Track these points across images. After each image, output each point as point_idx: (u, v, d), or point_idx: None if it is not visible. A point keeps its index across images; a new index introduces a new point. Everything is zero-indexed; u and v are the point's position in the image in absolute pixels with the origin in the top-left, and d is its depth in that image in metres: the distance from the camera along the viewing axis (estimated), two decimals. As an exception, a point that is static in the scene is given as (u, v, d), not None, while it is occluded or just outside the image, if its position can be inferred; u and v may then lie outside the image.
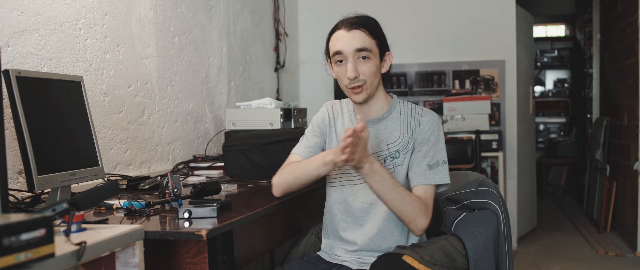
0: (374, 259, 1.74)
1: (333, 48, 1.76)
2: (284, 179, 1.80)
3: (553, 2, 8.27)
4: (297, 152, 1.88)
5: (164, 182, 1.82)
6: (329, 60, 1.81)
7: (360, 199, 1.80)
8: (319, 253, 1.90)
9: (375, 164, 1.67)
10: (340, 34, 1.75)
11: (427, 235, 1.91)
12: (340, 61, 1.75)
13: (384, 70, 1.79)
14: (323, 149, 1.86)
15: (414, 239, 1.81)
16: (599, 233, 5.02)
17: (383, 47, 1.78)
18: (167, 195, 1.78)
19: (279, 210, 1.95)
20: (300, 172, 1.76)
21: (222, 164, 2.67)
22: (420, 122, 1.77)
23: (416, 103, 4.56)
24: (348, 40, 1.73)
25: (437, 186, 1.76)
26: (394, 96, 1.85)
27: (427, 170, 1.74)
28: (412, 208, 1.69)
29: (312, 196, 2.17)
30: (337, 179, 1.83)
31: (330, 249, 1.86)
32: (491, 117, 4.47)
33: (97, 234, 1.29)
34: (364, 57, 1.72)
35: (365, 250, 1.80)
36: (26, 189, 1.63)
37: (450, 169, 1.82)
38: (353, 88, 1.73)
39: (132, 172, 2.47)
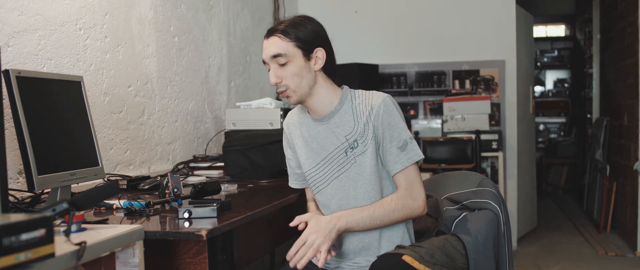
0: (366, 261, 1.75)
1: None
2: None
3: (553, 2, 8.27)
4: (305, 190, 1.97)
5: (164, 182, 1.82)
6: None
7: (335, 199, 1.81)
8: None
9: (342, 218, 1.70)
10: (264, 43, 1.79)
11: (427, 235, 1.90)
12: (269, 70, 1.79)
13: (317, 67, 1.77)
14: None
15: (397, 229, 1.81)
16: (599, 233, 5.02)
17: (307, 46, 1.76)
18: (167, 195, 1.78)
19: (279, 210, 1.95)
20: None
21: (222, 164, 2.67)
22: (373, 107, 1.76)
23: (415, 103, 4.63)
24: (266, 48, 1.77)
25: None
26: (345, 87, 1.84)
27: (400, 153, 1.75)
28: (400, 213, 1.75)
29: (312, 196, 2.17)
30: (314, 185, 1.86)
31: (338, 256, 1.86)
32: (491, 117, 4.47)
33: (97, 234, 1.29)
34: (281, 64, 1.74)
35: (353, 252, 1.80)
36: (26, 189, 1.63)
37: (450, 169, 1.82)
38: (281, 93, 1.77)
39: (132, 172, 2.47)
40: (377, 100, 1.76)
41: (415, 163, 1.76)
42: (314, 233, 1.66)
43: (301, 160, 1.88)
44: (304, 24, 1.78)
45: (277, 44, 1.74)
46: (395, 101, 1.80)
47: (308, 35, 1.77)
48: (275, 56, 1.73)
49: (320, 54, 1.78)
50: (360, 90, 1.83)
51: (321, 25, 1.82)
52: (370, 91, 1.81)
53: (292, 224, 1.74)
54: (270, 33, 1.76)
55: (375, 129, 1.75)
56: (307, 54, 1.76)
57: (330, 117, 1.80)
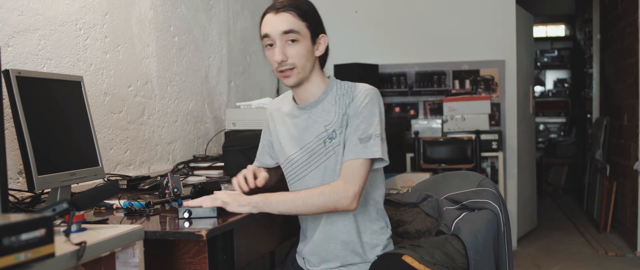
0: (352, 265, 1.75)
1: (262, 31, 1.73)
2: None
3: (553, 2, 8.27)
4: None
5: (164, 182, 1.82)
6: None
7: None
8: (297, 256, 1.91)
9: (257, 199, 1.64)
10: (269, 17, 1.71)
11: (427, 235, 1.90)
12: (270, 45, 1.71)
13: (318, 53, 1.75)
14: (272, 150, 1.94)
15: (364, 219, 1.77)
16: (599, 233, 5.02)
17: (315, 29, 1.73)
18: (167, 195, 1.78)
19: (279, 210, 1.95)
20: None
21: (222, 164, 2.67)
22: (354, 97, 1.72)
23: (415, 103, 4.63)
24: (275, 23, 1.69)
25: (373, 162, 1.69)
26: (331, 77, 1.81)
27: (358, 145, 1.66)
28: (326, 198, 1.63)
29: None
30: (294, 173, 1.82)
31: (307, 254, 1.85)
32: (491, 117, 4.47)
33: (97, 234, 1.28)
34: (292, 40, 1.69)
35: (336, 256, 1.78)
36: (26, 189, 1.63)
37: (450, 169, 1.80)
38: (282, 71, 1.71)
39: (132, 172, 2.47)
40: (360, 90, 1.72)
41: (368, 159, 1.66)
42: (227, 195, 1.65)
43: (282, 147, 1.84)
44: (312, 7, 1.76)
45: (291, 21, 1.68)
46: (380, 96, 1.74)
47: (317, 19, 1.75)
48: (287, 32, 1.68)
49: (323, 40, 1.76)
50: (347, 82, 1.79)
51: None
52: (357, 83, 1.77)
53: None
54: (279, 8, 1.70)
55: (348, 118, 1.71)
56: (314, 37, 1.73)
57: (313, 106, 1.77)
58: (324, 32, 1.77)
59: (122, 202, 1.77)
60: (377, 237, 1.78)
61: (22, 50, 1.94)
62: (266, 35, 1.71)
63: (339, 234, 1.75)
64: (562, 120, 8.41)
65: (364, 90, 1.72)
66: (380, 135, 1.68)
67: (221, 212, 1.62)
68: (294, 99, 1.84)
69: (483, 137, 4.34)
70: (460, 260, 1.73)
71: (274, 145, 1.90)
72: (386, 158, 1.69)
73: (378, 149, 1.66)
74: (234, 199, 1.64)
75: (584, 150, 7.06)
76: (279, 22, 1.69)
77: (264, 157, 1.97)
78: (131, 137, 2.49)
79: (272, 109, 1.93)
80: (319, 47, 1.75)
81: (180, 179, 2.00)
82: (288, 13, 1.69)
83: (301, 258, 1.88)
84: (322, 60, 1.79)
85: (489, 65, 4.52)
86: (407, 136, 4.50)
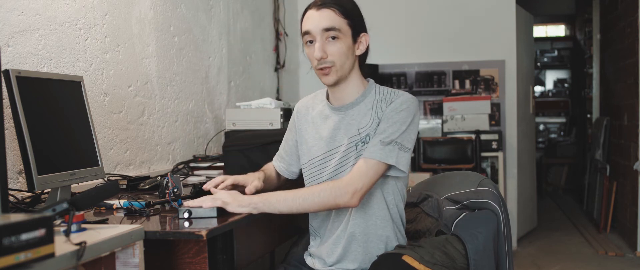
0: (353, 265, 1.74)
1: (303, 28, 1.72)
2: None
3: (553, 2, 8.27)
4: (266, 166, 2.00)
5: (164, 182, 1.82)
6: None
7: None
8: (305, 256, 1.90)
9: (257, 199, 1.64)
10: (310, 13, 1.70)
11: (427, 235, 1.90)
12: (311, 41, 1.70)
13: (358, 52, 1.74)
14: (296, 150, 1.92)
15: (374, 219, 1.76)
16: (599, 233, 5.03)
17: (357, 27, 1.72)
18: (167, 195, 1.78)
19: (279, 210, 1.94)
20: None
21: (222, 164, 2.67)
22: (392, 102, 1.70)
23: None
24: (316, 20, 1.67)
25: (389, 168, 1.68)
26: (371, 81, 1.80)
27: (377, 145, 1.65)
28: (326, 194, 1.63)
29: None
30: (316, 174, 1.81)
31: (315, 250, 1.85)
32: (491, 117, 4.47)
33: (97, 234, 1.28)
34: (333, 38, 1.67)
35: (339, 255, 1.77)
36: (26, 189, 1.63)
37: (450, 169, 1.79)
38: (321, 69, 1.69)
39: (132, 172, 2.47)
40: (400, 98, 1.71)
41: (381, 162, 1.65)
42: (227, 195, 1.64)
43: (308, 147, 1.83)
44: (354, 5, 1.74)
45: (332, 17, 1.67)
46: (418, 109, 1.73)
47: (359, 17, 1.73)
48: (328, 29, 1.67)
49: (364, 39, 1.75)
50: (387, 88, 1.78)
51: None
52: (399, 90, 1.75)
53: (206, 187, 1.77)
54: (321, 5, 1.68)
55: (380, 121, 1.70)
56: (355, 36, 1.72)
57: (349, 108, 1.76)
58: (366, 31, 1.76)
59: (122, 202, 1.77)
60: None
61: (22, 50, 1.94)
62: (307, 32, 1.70)
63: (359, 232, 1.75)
64: (562, 120, 8.42)
65: (404, 99, 1.71)
66: (401, 144, 1.67)
67: (221, 212, 1.62)
68: (327, 98, 1.82)
69: (483, 137, 4.34)
70: (461, 260, 1.73)
71: (298, 145, 1.88)
72: (401, 167, 1.68)
73: (394, 155, 1.66)
74: (234, 199, 1.64)
75: (584, 150, 7.06)
76: (321, 19, 1.67)
77: (291, 157, 1.93)
78: (131, 137, 2.49)
79: (300, 107, 1.90)
80: (359, 46, 1.74)
81: (180, 179, 2.00)
82: (330, 10, 1.68)
83: (310, 257, 1.87)
84: (362, 59, 1.78)
85: (489, 65, 4.52)
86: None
